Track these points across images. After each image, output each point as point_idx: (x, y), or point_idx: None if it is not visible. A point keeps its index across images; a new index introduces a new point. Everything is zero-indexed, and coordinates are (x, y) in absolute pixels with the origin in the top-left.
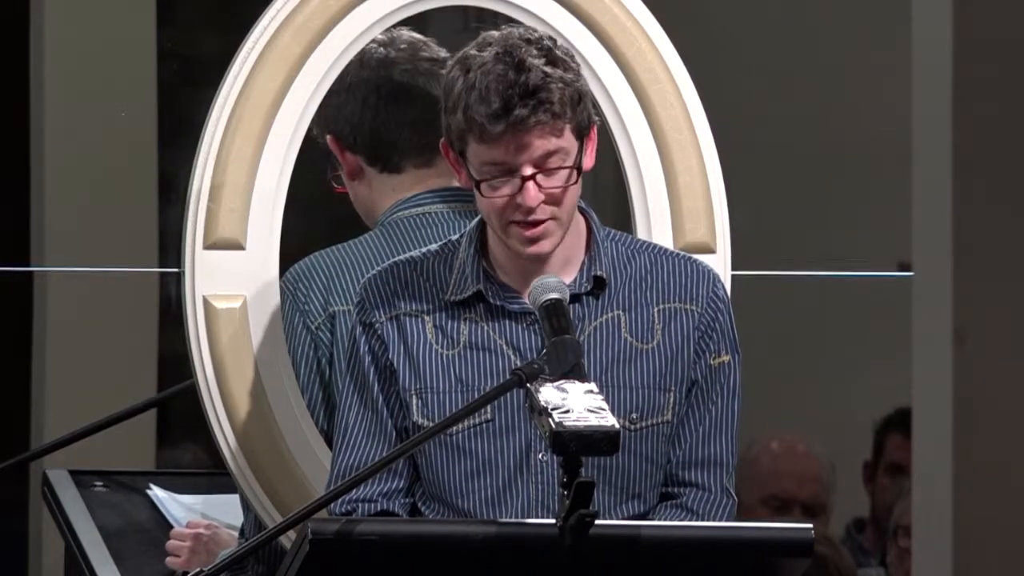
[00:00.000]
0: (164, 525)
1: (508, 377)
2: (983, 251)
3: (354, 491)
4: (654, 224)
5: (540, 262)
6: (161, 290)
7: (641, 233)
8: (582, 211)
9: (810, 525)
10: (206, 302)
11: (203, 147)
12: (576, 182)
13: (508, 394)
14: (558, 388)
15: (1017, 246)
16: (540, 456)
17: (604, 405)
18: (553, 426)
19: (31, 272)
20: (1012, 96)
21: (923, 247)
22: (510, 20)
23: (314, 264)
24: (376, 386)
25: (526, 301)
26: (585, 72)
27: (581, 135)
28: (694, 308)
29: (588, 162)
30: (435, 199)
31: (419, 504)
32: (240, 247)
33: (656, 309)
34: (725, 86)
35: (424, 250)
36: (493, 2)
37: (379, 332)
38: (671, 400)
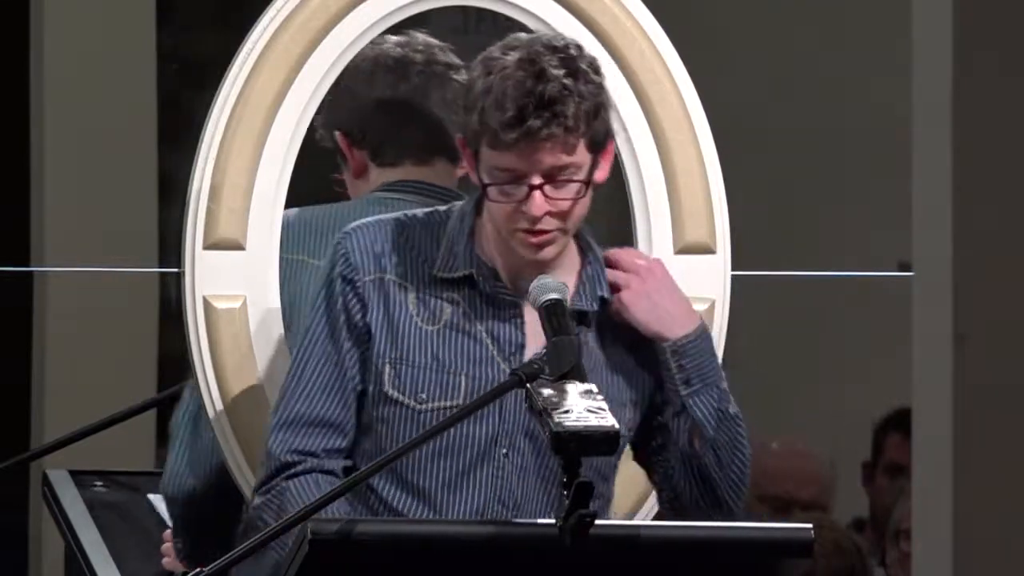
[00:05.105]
0: (164, 525)
1: (506, 376)
2: (983, 251)
3: (297, 439)
4: (654, 224)
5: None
6: (161, 290)
7: (641, 233)
8: None
9: (810, 525)
10: (206, 302)
11: (203, 147)
12: (585, 196)
13: (481, 383)
14: (557, 388)
15: (1017, 246)
16: (503, 451)
17: (604, 405)
18: (553, 426)
19: (31, 272)
20: (1012, 96)
21: (923, 247)
22: (510, 21)
23: (299, 217)
24: (347, 343)
25: (514, 293)
26: None
27: (596, 149)
28: None
29: (601, 175)
30: (417, 190)
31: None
32: (240, 247)
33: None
34: (725, 86)
35: (411, 213)
36: (493, 2)
37: (360, 291)
38: (626, 416)
